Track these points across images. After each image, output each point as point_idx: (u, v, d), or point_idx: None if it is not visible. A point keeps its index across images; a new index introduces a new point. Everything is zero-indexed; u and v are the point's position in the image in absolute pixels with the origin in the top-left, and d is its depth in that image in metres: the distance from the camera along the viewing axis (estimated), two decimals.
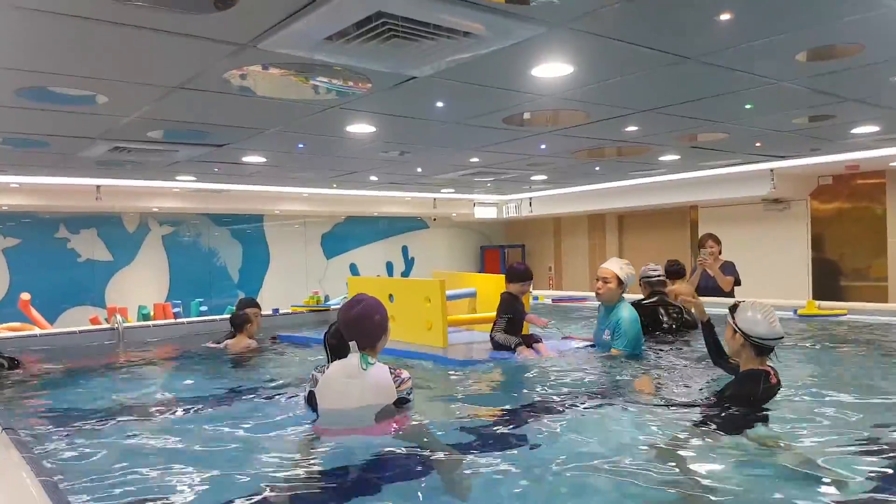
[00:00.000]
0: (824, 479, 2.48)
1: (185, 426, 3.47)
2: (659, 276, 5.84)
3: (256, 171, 8.60)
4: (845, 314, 6.91)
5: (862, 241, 10.02)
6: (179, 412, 3.81)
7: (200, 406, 3.92)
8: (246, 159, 7.56)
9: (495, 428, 3.26)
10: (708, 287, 6.93)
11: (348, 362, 3.24)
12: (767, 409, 3.25)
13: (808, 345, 5.48)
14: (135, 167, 8.01)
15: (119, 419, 3.62)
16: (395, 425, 3.15)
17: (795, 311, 7.08)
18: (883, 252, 9.71)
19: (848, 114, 5.87)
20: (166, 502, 2.38)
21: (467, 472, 2.61)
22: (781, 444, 2.89)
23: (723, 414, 3.19)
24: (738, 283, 7.20)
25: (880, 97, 5.30)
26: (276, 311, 7.93)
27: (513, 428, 3.25)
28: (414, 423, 3.23)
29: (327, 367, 3.29)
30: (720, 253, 7.18)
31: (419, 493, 2.44)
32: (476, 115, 5.63)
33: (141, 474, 2.64)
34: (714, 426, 3.08)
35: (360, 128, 5.95)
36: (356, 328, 3.27)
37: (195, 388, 4.43)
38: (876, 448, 2.81)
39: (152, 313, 8.99)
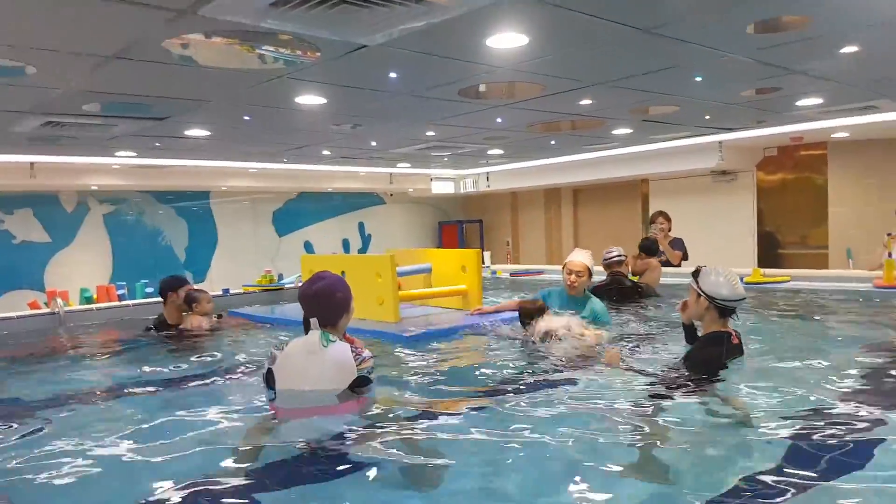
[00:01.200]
0: (776, 437, 2.53)
1: (135, 412, 3.35)
2: (615, 257, 6.27)
3: (201, 146, 8.32)
4: (788, 281, 7.14)
5: (804, 211, 10.32)
6: (129, 398, 3.69)
7: (151, 390, 3.80)
8: (189, 133, 7.29)
9: (459, 403, 3.22)
10: (659, 261, 7.19)
11: (309, 339, 3.18)
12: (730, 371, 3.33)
13: (754, 311, 5.62)
14: (71, 143, 7.66)
15: (65, 408, 3.47)
16: (355, 405, 3.09)
17: (742, 279, 7.25)
18: (823, 221, 10.02)
19: (794, 86, 5.96)
20: (119, 492, 2.28)
21: (431, 451, 2.57)
22: (744, 405, 2.95)
23: (691, 378, 3.25)
24: (685, 257, 7.50)
25: (825, 69, 5.38)
26: (226, 291, 7.76)
27: (475, 402, 3.22)
28: (373, 401, 3.18)
29: (286, 345, 3.21)
30: (670, 229, 7.53)
31: (382, 474, 2.39)
32: (431, 87, 5.53)
33: (91, 465, 2.53)
34: (683, 390, 3.14)
35: (310, 99, 5.78)
36: (315, 305, 3.21)
37: (145, 371, 4.29)
38: (820, 406, 2.89)
39: (95, 296, 8.67)
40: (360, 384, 3.15)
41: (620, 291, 6.18)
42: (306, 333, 3.20)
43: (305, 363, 3.13)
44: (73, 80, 4.83)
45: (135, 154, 8.84)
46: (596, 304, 4.80)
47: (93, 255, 11.13)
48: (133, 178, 10.41)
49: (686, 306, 3.50)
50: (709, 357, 3.27)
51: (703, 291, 3.31)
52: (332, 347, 3.13)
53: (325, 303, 3.20)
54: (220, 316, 6.06)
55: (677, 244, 7.56)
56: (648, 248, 6.88)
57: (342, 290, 3.26)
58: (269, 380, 3.22)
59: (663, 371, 3.47)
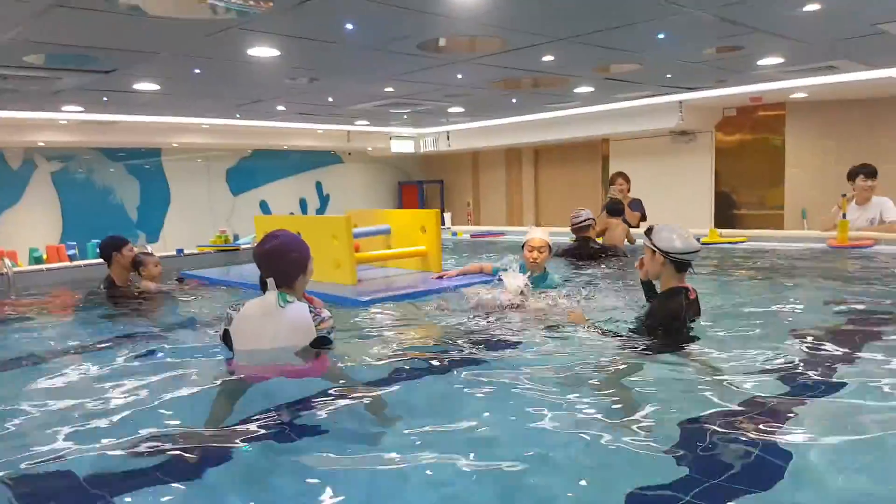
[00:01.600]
0: (737, 391, 2.56)
1: (88, 374, 3.25)
2: (583, 221, 6.38)
3: (150, 101, 8.01)
4: (745, 241, 7.25)
5: (761, 172, 10.46)
6: (82, 360, 3.57)
7: (105, 353, 3.68)
8: (138, 87, 6.99)
9: (417, 364, 3.18)
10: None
11: (265, 300, 3.09)
12: (690, 328, 3.37)
13: (711, 270, 5.71)
14: (14, 97, 7.29)
15: (15, 371, 3.36)
16: (313, 366, 3.03)
17: (699, 239, 7.34)
18: (780, 182, 10.18)
19: (755, 45, 5.95)
20: (72, 456, 2.20)
21: (390, 412, 2.53)
22: (708, 362, 2.99)
23: (655, 334, 3.30)
24: (644, 218, 7.60)
25: (787, 28, 5.37)
26: (180, 251, 7.57)
27: (435, 363, 3.18)
28: (333, 362, 3.12)
29: (242, 306, 3.12)
30: (629, 191, 7.69)
31: (342, 436, 2.34)
32: (389, 40, 5.36)
33: (44, 430, 2.43)
34: (644, 347, 3.18)
35: (263, 51, 5.56)
36: (269, 265, 3.12)
37: (98, 333, 4.17)
38: (778, 362, 2.94)
39: (45, 256, 8.38)
40: (319, 345, 3.10)
41: (589, 254, 6.29)
42: (264, 294, 3.11)
43: (262, 324, 3.05)
44: (12, 28, 4.55)
45: (82, 109, 8.48)
46: (555, 279, 4.83)
47: (41, 214, 10.74)
48: (81, 134, 10.00)
49: (643, 264, 3.51)
50: (670, 310, 3.29)
51: (657, 247, 3.33)
52: (290, 308, 3.05)
53: (279, 262, 3.10)
54: (180, 280, 5.89)
55: (635, 205, 7.67)
56: (614, 209, 6.97)
57: (297, 249, 3.16)
58: (227, 341, 3.14)
59: (627, 329, 3.48)
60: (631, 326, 3.53)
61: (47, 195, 10.84)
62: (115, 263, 5.32)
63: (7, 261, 6.35)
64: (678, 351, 3.13)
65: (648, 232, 3.41)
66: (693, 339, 3.28)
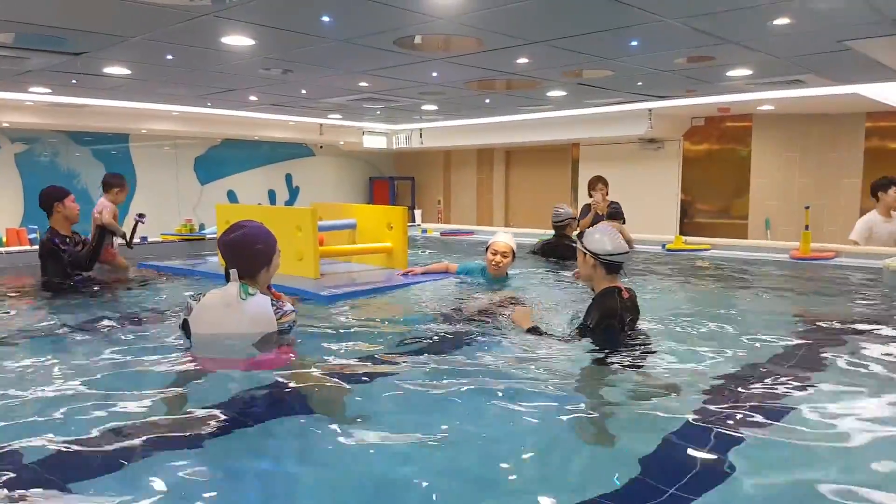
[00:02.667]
0: (690, 395, 2.62)
1: (48, 358, 3.20)
2: (564, 220, 6.71)
3: (120, 85, 7.86)
4: (709, 249, 7.39)
5: (726, 181, 10.68)
6: (40, 345, 3.50)
7: (64, 338, 3.63)
8: (108, 70, 6.85)
9: (375, 360, 3.19)
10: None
11: (227, 291, 3.06)
12: (633, 331, 3.43)
13: (674, 276, 5.81)
14: None
15: None
16: (271, 358, 3.02)
17: (664, 246, 7.51)
18: (745, 192, 10.40)
19: (725, 56, 6.07)
20: (22, 445, 2.16)
21: (349, 406, 2.54)
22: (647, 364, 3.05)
23: (590, 335, 3.34)
24: (623, 221, 7.73)
25: (757, 40, 5.50)
26: (144, 239, 7.46)
27: (392, 358, 3.19)
28: (292, 356, 3.11)
29: (203, 296, 3.09)
30: (607, 194, 7.82)
31: (300, 428, 2.35)
32: (366, 34, 5.34)
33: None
34: (584, 349, 3.24)
35: (238, 40, 5.49)
36: (232, 255, 3.09)
37: (58, 317, 4.09)
38: (733, 373, 2.99)
39: (5, 239, 8.19)
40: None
41: (563, 253, 6.48)
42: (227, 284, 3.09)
43: (222, 315, 3.03)
44: None
45: (49, 91, 8.28)
46: (517, 281, 4.90)
47: (2, 195, 10.45)
48: (48, 116, 9.75)
49: (578, 271, 3.60)
50: (607, 308, 3.35)
51: (588, 250, 3.42)
52: (251, 300, 3.03)
53: (242, 253, 3.07)
54: (140, 216, 6.09)
55: (614, 208, 7.89)
56: (615, 214, 7.24)
57: (262, 241, 3.12)
58: (186, 330, 3.10)
59: (568, 331, 3.53)
60: (570, 328, 3.58)
61: (10, 177, 10.56)
62: (56, 214, 5.16)
63: None
64: (617, 351, 3.19)
65: (580, 236, 3.52)
66: (631, 339, 3.36)
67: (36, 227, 8.70)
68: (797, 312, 4.35)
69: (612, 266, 3.39)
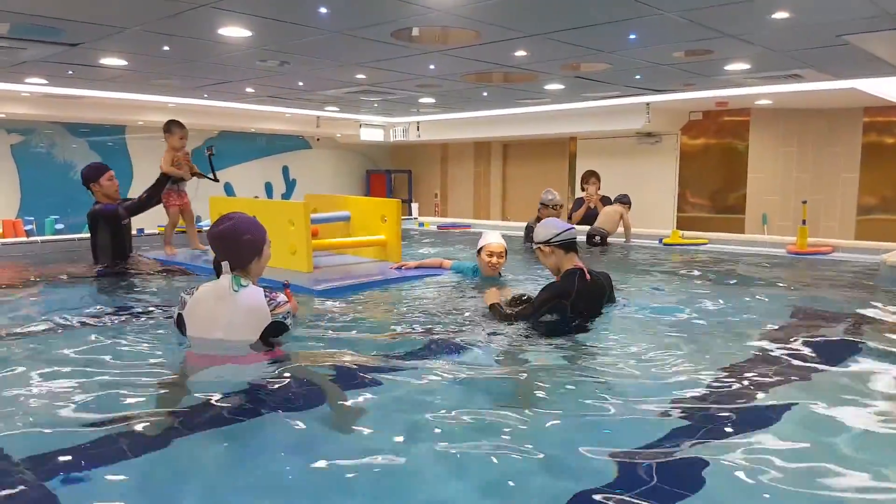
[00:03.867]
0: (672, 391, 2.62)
1: (43, 351, 3.18)
2: (550, 201, 6.89)
3: (116, 76, 7.82)
4: (706, 243, 7.40)
5: (724, 176, 10.67)
6: (36, 339, 3.48)
7: (60, 331, 3.60)
8: (104, 62, 6.83)
9: (372, 354, 3.18)
10: (592, 217, 7.93)
11: (219, 284, 3.06)
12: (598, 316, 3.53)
13: (670, 270, 5.81)
14: None
15: None
16: (269, 353, 3.01)
17: (661, 240, 7.51)
18: (742, 186, 10.40)
19: (724, 49, 6.06)
20: (10, 436, 2.16)
21: (349, 402, 2.53)
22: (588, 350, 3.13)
23: (534, 317, 3.53)
24: (628, 207, 7.94)
25: (755, 34, 5.49)
26: (140, 231, 7.45)
27: (387, 352, 3.19)
28: (289, 351, 3.11)
29: (196, 289, 3.09)
30: (599, 188, 8.04)
31: (299, 425, 2.34)
32: (364, 26, 5.32)
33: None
34: (532, 333, 3.40)
35: (234, 31, 5.47)
36: (222, 247, 3.08)
37: (53, 311, 4.06)
38: (725, 364, 2.99)
39: (1, 231, 8.17)
40: (276, 330, 3.07)
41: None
42: (218, 277, 3.08)
43: (215, 308, 3.02)
44: None
45: (46, 82, 8.24)
46: (507, 280, 4.92)
47: None
48: (44, 107, 9.71)
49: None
50: (561, 288, 3.53)
51: (539, 242, 3.65)
52: (244, 292, 3.03)
53: (232, 245, 3.06)
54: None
55: (606, 202, 8.02)
56: (623, 199, 7.70)
57: (252, 231, 3.11)
58: (181, 325, 3.09)
59: (514, 311, 3.66)
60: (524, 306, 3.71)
61: (6, 168, 10.52)
62: (96, 194, 5.30)
63: None
64: (564, 335, 3.32)
65: (529, 240, 3.73)
66: (581, 323, 3.47)
67: (32, 218, 8.69)
68: (793, 307, 4.34)
69: (566, 245, 3.60)
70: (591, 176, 8.05)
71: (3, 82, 8.32)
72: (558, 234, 3.59)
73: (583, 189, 7.92)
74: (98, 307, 4.20)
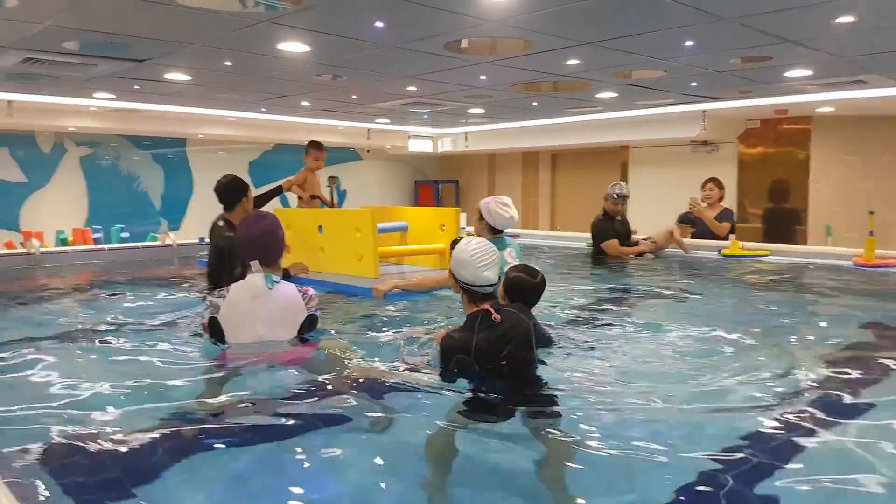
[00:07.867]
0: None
1: (109, 355, 3.30)
2: (609, 195, 7.03)
3: (179, 91, 8.11)
4: (768, 255, 7.18)
5: (785, 185, 10.36)
6: (102, 342, 3.61)
7: (125, 332, 3.75)
8: (169, 77, 7.09)
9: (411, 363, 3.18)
10: (703, 232, 7.42)
11: (252, 283, 3.11)
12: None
13: (731, 283, 5.67)
14: (50, 82, 7.41)
15: (38, 348, 3.41)
16: (307, 351, 3.08)
17: (720, 252, 7.33)
18: (804, 196, 10.08)
19: (784, 56, 5.93)
20: (81, 432, 2.25)
21: (390, 404, 2.54)
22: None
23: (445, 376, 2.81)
24: (733, 230, 7.46)
25: (818, 39, 5.35)
26: (201, 239, 7.67)
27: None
28: (327, 349, 3.17)
29: (227, 291, 3.14)
30: (721, 199, 7.50)
31: (339, 425, 2.37)
32: (417, 39, 5.40)
33: (53, 408, 2.50)
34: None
35: (293, 46, 5.62)
36: (262, 246, 3.16)
37: (122, 315, 4.23)
38: (791, 379, 2.90)
39: (71, 238, 8.54)
40: (311, 322, 3.19)
41: (621, 225, 7.07)
42: (242, 278, 3.15)
43: (253, 306, 3.08)
44: (53, 15, 4.64)
45: (114, 97, 8.60)
46: (511, 240, 4.82)
47: (68, 197, 10.88)
48: (110, 121, 10.13)
49: None
50: (444, 348, 2.77)
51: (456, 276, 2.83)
52: (278, 288, 3.12)
53: (270, 242, 3.19)
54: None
55: (726, 216, 7.52)
56: (684, 219, 7.43)
57: (281, 227, 3.27)
58: (215, 330, 3.13)
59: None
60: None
61: (75, 179, 10.99)
62: (238, 209, 5.08)
63: (35, 241, 6.50)
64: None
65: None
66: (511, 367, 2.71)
67: (100, 227, 9.04)
68: (861, 321, 4.16)
69: (473, 293, 2.77)
70: (708, 181, 7.47)
71: (73, 97, 8.70)
72: (474, 285, 2.74)
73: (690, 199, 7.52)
74: (156, 308, 4.33)
